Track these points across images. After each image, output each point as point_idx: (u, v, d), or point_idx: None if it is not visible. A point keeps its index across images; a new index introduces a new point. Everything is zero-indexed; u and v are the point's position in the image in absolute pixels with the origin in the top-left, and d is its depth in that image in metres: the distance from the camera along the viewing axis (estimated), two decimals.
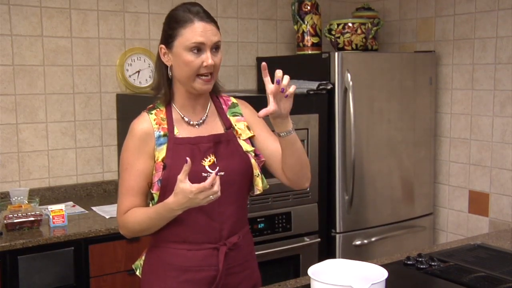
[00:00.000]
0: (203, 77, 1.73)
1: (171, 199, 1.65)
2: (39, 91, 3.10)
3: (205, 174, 1.72)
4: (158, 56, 1.81)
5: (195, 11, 1.73)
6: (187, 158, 1.61)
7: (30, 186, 3.06)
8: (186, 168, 1.59)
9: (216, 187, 1.59)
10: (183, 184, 1.59)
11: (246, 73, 3.78)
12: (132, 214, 1.75)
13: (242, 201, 1.86)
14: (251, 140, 1.87)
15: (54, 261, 2.53)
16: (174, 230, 1.76)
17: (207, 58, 1.71)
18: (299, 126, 3.06)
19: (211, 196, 1.60)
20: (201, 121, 1.82)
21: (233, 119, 1.87)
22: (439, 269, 1.99)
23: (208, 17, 1.74)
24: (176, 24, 1.74)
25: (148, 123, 1.76)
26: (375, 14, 3.79)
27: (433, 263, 2.03)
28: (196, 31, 1.70)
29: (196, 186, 1.58)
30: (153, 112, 1.79)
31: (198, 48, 1.71)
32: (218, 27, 1.77)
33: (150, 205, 1.80)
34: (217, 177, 1.60)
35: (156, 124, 1.76)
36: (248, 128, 1.88)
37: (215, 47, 1.74)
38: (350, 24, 3.43)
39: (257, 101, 3.03)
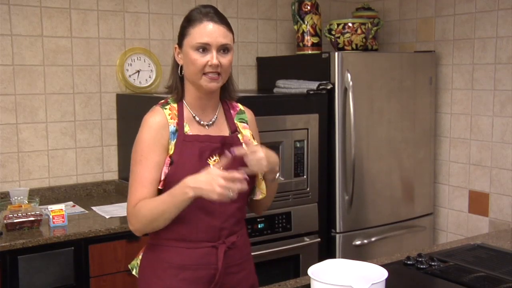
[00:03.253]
0: (209, 75, 1.74)
1: (191, 176, 1.64)
2: (39, 91, 3.10)
3: None
4: (173, 56, 1.85)
5: (205, 12, 1.76)
6: (229, 152, 1.66)
7: (30, 186, 3.06)
8: (225, 160, 1.65)
9: (237, 186, 1.60)
10: (214, 167, 1.63)
11: (246, 73, 3.78)
12: (144, 202, 1.72)
13: (243, 203, 1.88)
14: None
15: (54, 261, 2.53)
16: (174, 228, 1.76)
17: (212, 57, 1.72)
18: (299, 126, 3.06)
19: (230, 193, 1.59)
20: (211, 122, 1.84)
21: (240, 125, 1.90)
22: (439, 269, 1.99)
23: (217, 18, 1.75)
24: (187, 24, 1.77)
25: (163, 116, 1.77)
26: (375, 14, 3.79)
27: (433, 263, 2.03)
28: (203, 31, 1.73)
29: (225, 172, 1.60)
30: (167, 107, 1.80)
31: (204, 48, 1.73)
32: (230, 29, 1.78)
33: None
34: (242, 182, 1.61)
35: (171, 118, 1.78)
36: (253, 137, 1.92)
37: (224, 49, 1.75)
38: (350, 24, 3.43)
39: (257, 101, 3.06)
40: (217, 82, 1.77)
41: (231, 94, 1.91)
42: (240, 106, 1.96)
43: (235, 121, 1.90)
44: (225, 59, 1.75)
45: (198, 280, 1.77)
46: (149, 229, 1.76)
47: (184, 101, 1.83)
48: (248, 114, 1.96)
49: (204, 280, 1.77)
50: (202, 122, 1.83)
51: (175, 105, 1.82)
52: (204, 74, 1.74)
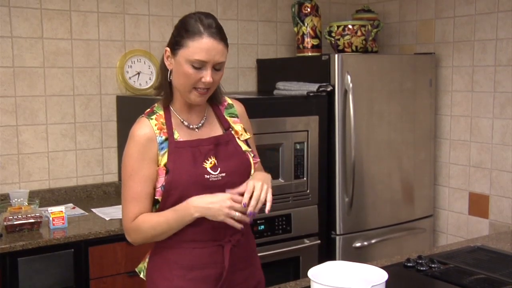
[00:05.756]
0: (199, 90, 1.73)
1: (196, 196, 1.68)
2: (39, 93, 3.10)
3: (207, 176, 1.74)
4: (162, 57, 1.80)
5: (206, 24, 1.70)
6: (228, 190, 1.68)
7: (30, 188, 3.06)
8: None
9: (243, 216, 1.64)
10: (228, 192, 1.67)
11: (246, 75, 3.78)
12: (145, 219, 1.74)
13: None
14: (246, 141, 1.89)
15: (54, 263, 2.53)
16: (179, 230, 1.76)
17: (207, 75, 1.70)
18: (299, 128, 3.06)
19: (235, 213, 1.64)
20: (200, 124, 1.83)
21: (230, 120, 1.89)
22: (439, 271, 1.99)
23: (218, 34, 1.70)
24: (185, 33, 1.71)
25: (149, 128, 1.76)
26: (375, 16, 3.79)
27: (433, 265, 2.03)
28: (201, 47, 1.68)
29: (235, 197, 1.65)
30: (153, 117, 1.78)
31: (200, 65, 1.70)
32: (227, 46, 1.74)
33: (153, 210, 1.80)
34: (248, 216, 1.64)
35: (158, 129, 1.76)
36: (245, 130, 1.90)
37: (218, 66, 1.73)
38: (350, 26, 3.43)
39: (257, 103, 3.06)
40: (205, 97, 1.76)
41: (218, 98, 1.89)
42: (228, 100, 1.93)
43: (226, 117, 1.88)
44: (217, 76, 1.74)
45: (206, 279, 1.77)
46: (149, 241, 1.80)
47: (171, 107, 1.81)
48: (238, 106, 1.94)
49: (211, 278, 1.78)
50: (191, 126, 1.81)
51: (162, 113, 1.80)
52: (194, 88, 1.72)
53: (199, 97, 1.74)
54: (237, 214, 1.64)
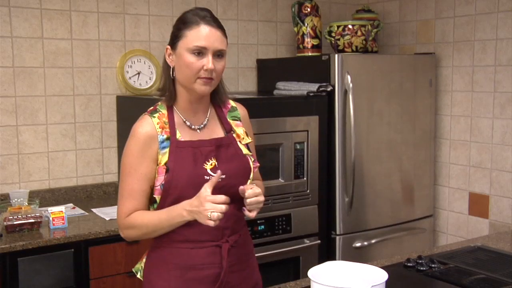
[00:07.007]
0: (203, 78, 1.73)
1: (187, 200, 1.67)
2: (39, 93, 3.10)
3: (207, 177, 1.74)
4: (164, 58, 1.83)
5: (202, 15, 1.75)
6: (219, 171, 1.66)
7: (30, 188, 3.06)
8: (214, 179, 1.65)
9: (222, 209, 1.61)
10: (204, 189, 1.63)
11: (246, 75, 3.78)
12: (139, 216, 1.75)
13: (242, 202, 1.87)
14: (247, 145, 1.90)
15: (54, 263, 2.53)
16: (177, 230, 1.76)
17: (208, 62, 1.71)
18: (299, 128, 3.06)
19: (214, 213, 1.60)
20: (202, 125, 1.83)
21: (233, 123, 1.89)
22: (439, 271, 2.00)
23: (215, 22, 1.75)
24: (182, 25, 1.75)
25: (151, 126, 1.76)
26: (375, 16, 3.79)
27: (433, 265, 2.03)
28: (199, 34, 1.71)
29: (211, 195, 1.62)
30: (156, 115, 1.79)
31: (200, 51, 1.71)
32: (225, 35, 1.77)
33: (151, 209, 1.80)
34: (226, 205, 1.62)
35: (160, 127, 1.77)
36: (247, 134, 1.91)
37: (219, 54, 1.74)
38: (350, 26, 3.43)
39: (258, 103, 3.06)
40: (209, 86, 1.76)
41: (222, 97, 1.89)
42: (232, 103, 1.94)
43: (228, 120, 1.89)
44: (219, 64, 1.75)
45: (204, 279, 1.78)
46: (141, 238, 1.84)
47: (174, 106, 1.82)
48: (241, 110, 1.95)
49: (209, 279, 1.78)
50: (193, 127, 1.82)
51: (165, 112, 1.80)
52: (198, 77, 1.73)
53: (203, 86, 1.74)
54: (215, 214, 1.61)
